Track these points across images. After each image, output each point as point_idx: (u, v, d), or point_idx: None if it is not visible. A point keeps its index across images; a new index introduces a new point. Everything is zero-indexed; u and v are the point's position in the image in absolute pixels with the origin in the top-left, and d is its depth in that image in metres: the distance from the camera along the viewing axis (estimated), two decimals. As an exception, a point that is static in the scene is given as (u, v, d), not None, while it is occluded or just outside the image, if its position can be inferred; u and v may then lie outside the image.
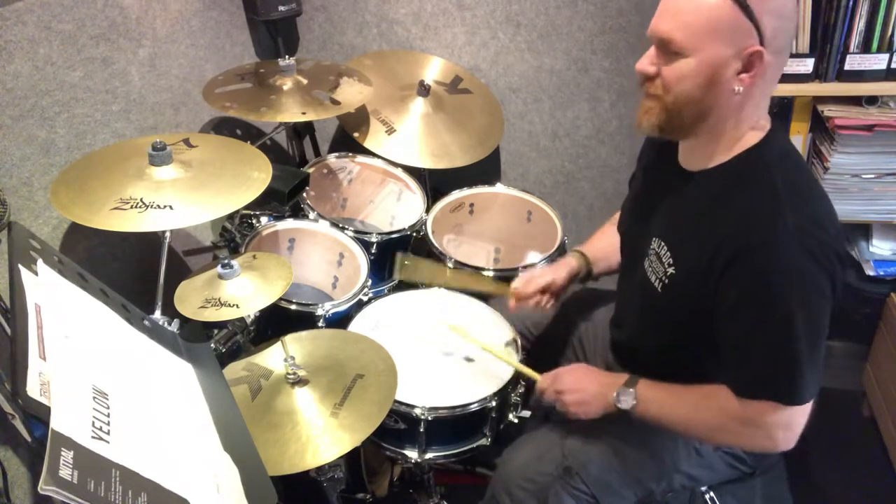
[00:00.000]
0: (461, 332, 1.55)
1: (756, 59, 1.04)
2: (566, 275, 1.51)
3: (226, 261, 1.36)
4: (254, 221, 1.79)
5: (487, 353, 1.52)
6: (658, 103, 1.13)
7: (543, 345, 1.68)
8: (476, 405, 1.45)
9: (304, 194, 1.85)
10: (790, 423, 1.13)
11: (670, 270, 1.20)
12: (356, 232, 1.83)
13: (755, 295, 1.07)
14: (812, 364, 1.09)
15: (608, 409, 1.28)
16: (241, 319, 1.52)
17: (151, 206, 1.29)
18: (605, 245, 1.56)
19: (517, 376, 1.51)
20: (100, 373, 0.88)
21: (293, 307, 1.59)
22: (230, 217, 1.80)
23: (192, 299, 1.33)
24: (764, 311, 1.07)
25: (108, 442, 0.78)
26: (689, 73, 1.07)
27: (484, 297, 1.74)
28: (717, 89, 1.07)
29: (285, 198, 1.66)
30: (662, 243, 1.23)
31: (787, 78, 1.78)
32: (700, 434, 1.27)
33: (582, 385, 1.32)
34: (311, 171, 1.93)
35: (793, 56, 1.76)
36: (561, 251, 1.88)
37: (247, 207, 1.51)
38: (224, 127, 2.19)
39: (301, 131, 2.22)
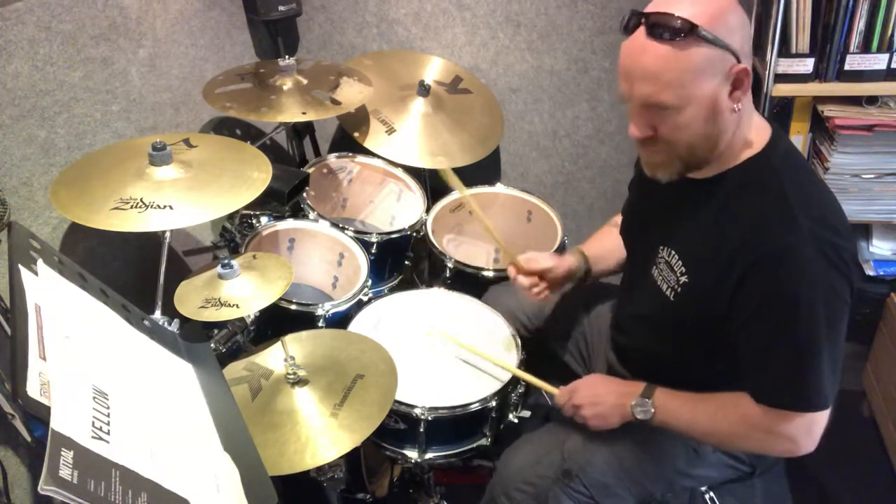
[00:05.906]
0: (464, 346, 1.55)
1: (742, 75, 1.05)
2: (566, 268, 1.50)
3: (226, 261, 1.36)
4: (254, 221, 1.79)
5: (501, 367, 1.52)
6: (669, 156, 1.13)
7: (545, 339, 1.67)
8: (476, 405, 1.45)
9: (304, 194, 1.85)
10: (811, 428, 1.13)
11: (683, 279, 1.19)
12: (356, 232, 1.83)
13: (778, 304, 1.07)
14: (833, 369, 1.09)
15: (626, 419, 1.28)
16: (241, 319, 1.52)
17: (151, 206, 1.29)
18: (604, 246, 1.56)
19: (517, 377, 1.51)
20: (100, 373, 0.88)
21: (293, 307, 1.59)
22: (230, 217, 1.80)
23: (192, 299, 1.33)
24: (788, 319, 1.07)
25: (108, 442, 0.78)
26: (689, 120, 1.07)
27: (480, 295, 1.74)
28: (720, 117, 1.08)
29: (285, 198, 1.66)
30: (672, 252, 1.22)
31: (787, 78, 1.78)
32: (720, 442, 1.27)
33: (599, 398, 1.31)
34: (311, 171, 1.93)
35: (793, 56, 1.76)
36: (561, 251, 1.88)
37: (247, 207, 1.51)
38: (224, 127, 2.19)
39: (301, 131, 2.21)
